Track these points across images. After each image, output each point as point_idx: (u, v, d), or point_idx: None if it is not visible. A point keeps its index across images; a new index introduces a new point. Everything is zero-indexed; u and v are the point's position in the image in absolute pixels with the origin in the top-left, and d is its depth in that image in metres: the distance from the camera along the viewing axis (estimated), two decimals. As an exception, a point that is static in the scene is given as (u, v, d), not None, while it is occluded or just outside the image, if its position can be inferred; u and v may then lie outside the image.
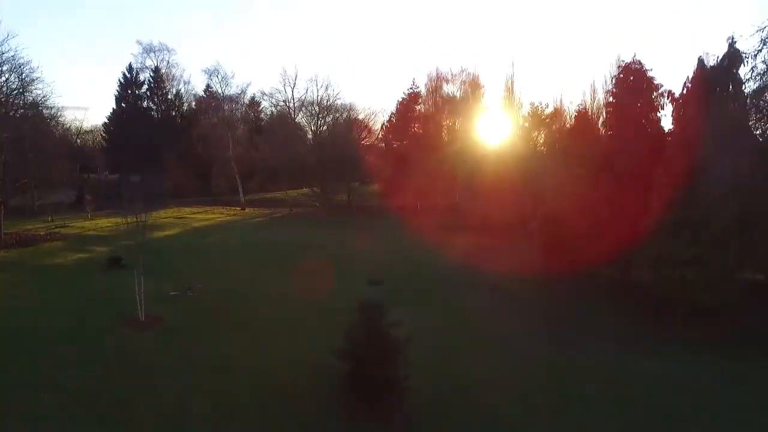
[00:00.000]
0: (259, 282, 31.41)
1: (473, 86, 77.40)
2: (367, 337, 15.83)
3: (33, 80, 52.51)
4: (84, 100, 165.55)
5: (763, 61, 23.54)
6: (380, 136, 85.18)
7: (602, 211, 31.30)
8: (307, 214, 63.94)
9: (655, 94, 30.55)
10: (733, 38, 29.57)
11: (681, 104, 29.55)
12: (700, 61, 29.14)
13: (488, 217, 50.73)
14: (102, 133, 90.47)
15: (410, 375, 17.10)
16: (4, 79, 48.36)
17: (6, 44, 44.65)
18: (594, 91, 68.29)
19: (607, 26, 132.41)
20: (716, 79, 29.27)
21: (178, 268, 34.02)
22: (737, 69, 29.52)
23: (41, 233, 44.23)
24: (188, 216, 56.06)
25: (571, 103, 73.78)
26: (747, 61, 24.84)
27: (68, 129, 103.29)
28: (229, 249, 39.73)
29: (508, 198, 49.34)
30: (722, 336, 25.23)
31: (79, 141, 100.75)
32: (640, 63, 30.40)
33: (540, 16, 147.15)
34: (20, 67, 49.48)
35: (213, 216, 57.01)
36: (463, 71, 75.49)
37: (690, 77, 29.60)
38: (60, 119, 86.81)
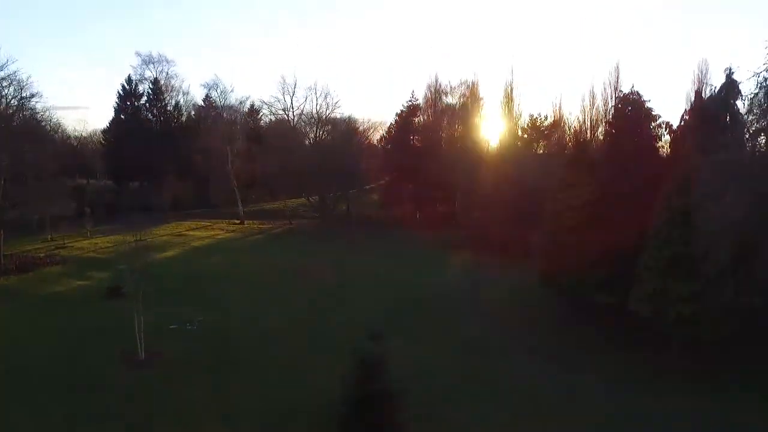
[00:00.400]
0: (259, 315, 31.41)
1: (472, 98, 77.53)
2: (365, 397, 15.89)
3: (32, 96, 52.80)
4: (86, 99, 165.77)
5: (759, 105, 23.64)
6: (380, 146, 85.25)
7: (600, 238, 31.45)
8: (306, 228, 63.90)
9: (653, 124, 30.60)
10: (730, 69, 29.79)
11: (678, 136, 29.63)
12: (698, 94, 29.25)
13: (487, 230, 50.84)
14: (101, 140, 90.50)
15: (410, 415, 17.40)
16: (4, 103, 48.60)
17: (6, 68, 44.62)
18: (593, 97, 68.07)
19: (606, 28, 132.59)
20: (714, 110, 29.42)
21: (177, 297, 34.02)
22: (734, 100, 29.69)
23: (40, 255, 44.27)
24: (187, 233, 56.06)
25: (570, 113, 73.59)
26: (744, 103, 24.95)
27: (68, 137, 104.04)
28: (228, 275, 39.75)
29: (507, 211, 49.43)
30: (716, 372, 25.32)
31: (78, 146, 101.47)
32: (638, 94, 30.50)
33: (539, 21, 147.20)
34: (20, 83, 49.78)
35: (212, 233, 56.95)
36: (462, 84, 75.75)
37: (687, 109, 29.77)
38: (60, 129, 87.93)
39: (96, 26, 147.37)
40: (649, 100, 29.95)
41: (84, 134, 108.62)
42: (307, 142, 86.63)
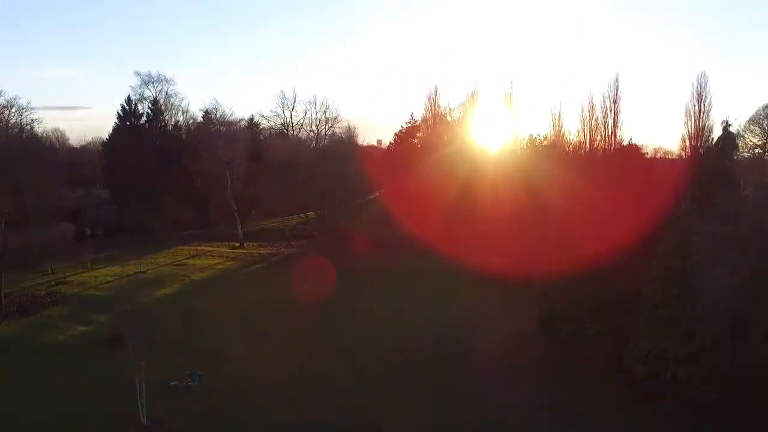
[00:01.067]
0: (259, 366, 31.58)
1: (472, 110, 78.21)
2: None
3: (32, 121, 53.21)
4: (86, 100, 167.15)
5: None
6: (380, 157, 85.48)
7: (599, 289, 31.68)
8: (305, 252, 63.82)
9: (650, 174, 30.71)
10: (727, 122, 30.02)
11: (675, 189, 29.78)
12: (694, 149, 29.43)
13: (487, 257, 50.82)
14: (101, 151, 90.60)
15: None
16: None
17: (7, 111, 44.95)
18: (592, 108, 68.02)
19: (606, 32, 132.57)
20: (711, 165, 29.56)
21: (177, 344, 34.19)
22: (731, 153, 29.91)
23: (41, 293, 44.29)
24: (187, 262, 56.03)
25: (569, 131, 73.86)
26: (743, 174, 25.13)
27: (71, 150, 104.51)
28: (228, 318, 39.76)
29: (507, 239, 49.39)
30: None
31: (79, 151, 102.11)
32: (635, 146, 30.64)
33: (538, 27, 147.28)
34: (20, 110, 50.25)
35: (212, 262, 56.88)
36: (461, 105, 76.23)
37: (684, 158, 29.83)
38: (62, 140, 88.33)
39: (99, 27, 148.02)
40: (647, 153, 30.08)
41: (84, 142, 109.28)
42: (307, 154, 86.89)
